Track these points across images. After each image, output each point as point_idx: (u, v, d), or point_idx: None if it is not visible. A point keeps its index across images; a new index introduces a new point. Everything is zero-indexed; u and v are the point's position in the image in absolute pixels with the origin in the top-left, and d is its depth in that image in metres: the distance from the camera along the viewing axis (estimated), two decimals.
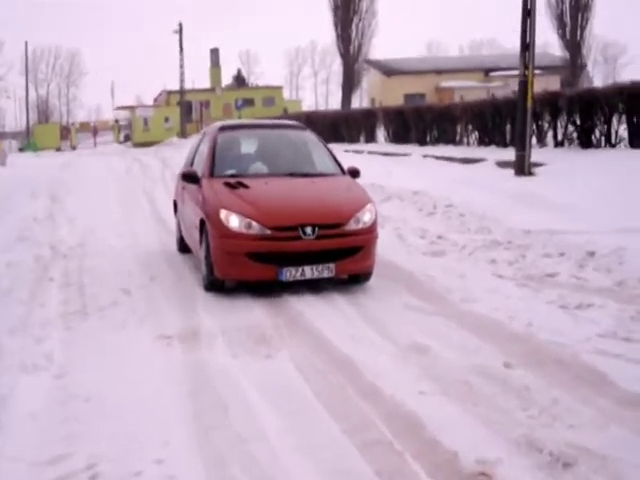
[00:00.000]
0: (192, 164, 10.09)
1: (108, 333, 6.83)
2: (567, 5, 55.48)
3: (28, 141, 61.42)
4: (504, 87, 59.53)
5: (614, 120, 17.93)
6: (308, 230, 7.74)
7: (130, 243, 11.71)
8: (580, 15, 56.15)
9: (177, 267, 9.72)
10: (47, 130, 65.36)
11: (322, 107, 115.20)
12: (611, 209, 11.02)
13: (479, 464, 4.03)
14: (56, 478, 4.01)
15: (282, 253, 7.73)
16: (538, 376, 5.43)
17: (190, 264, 9.77)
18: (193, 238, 9.04)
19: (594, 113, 18.25)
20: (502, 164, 19.10)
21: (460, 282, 8.26)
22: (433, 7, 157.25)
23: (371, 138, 32.34)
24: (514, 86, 56.64)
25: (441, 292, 7.92)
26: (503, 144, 22.47)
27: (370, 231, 8.18)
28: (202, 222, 8.39)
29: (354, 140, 32.90)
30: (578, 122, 18.92)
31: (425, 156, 22.78)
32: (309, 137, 10.03)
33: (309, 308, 7.34)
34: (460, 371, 5.56)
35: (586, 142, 18.61)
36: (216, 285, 8.13)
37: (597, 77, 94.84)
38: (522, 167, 15.25)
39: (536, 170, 15.57)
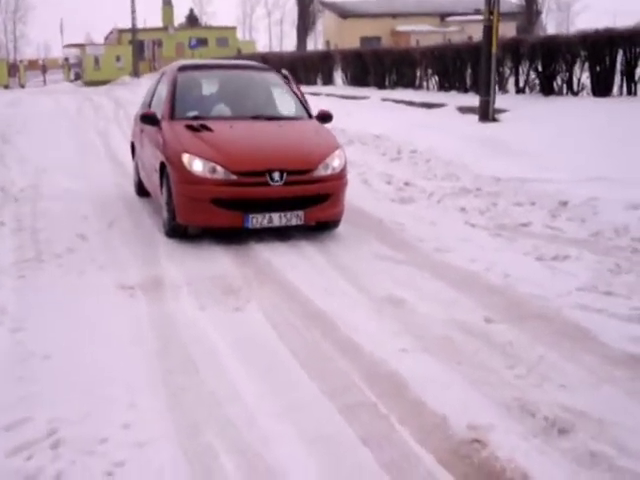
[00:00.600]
0: (150, 105, 9.57)
1: (66, 283, 6.44)
2: None
3: None
4: (460, 32, 59.27)
5: (576, 68, 17.77)
6: (276, 176, 7.38)
7: (85, 186, 11.17)
8: None
9: (136, 211, 9.30)
10: None
11: (276, 49, 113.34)
12: (579, 157, 10.84)
13: (471, 430, 3.79)
14: (14, 447, 3.66)
15: (248, 199, 7.36)
16: (521, 331, 5.21)
17: (150, 208, 9.36)
18: (153, 182, 8.62)
19: (556, 60, 18.05)
20: (463, 109, 18.85)
21: (431, 231, 8.01)
22: None
23: (329, 81, 31.79)
24: (470, 31, 56.40)
25: (412, 241, 7.66)
26: (463, 89, 22.19)
27: (340, 177, 7.84)
28: (163, 166, 7.96)
29: (311, 82, 32.29)
30: (540, 69, 18.72)
31: (384, 99, 22.43)
32: (274, 79, 9.59)
33: (278, 257, 7.02)
34: (440, 326, 5.31)
35: (548, 89, 18.40)
36: (178, 231, 7.76)
37: (550, 25, 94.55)
38: (486, 113, 14.99)
39: (500, 116, 15.34)
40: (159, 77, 10.02)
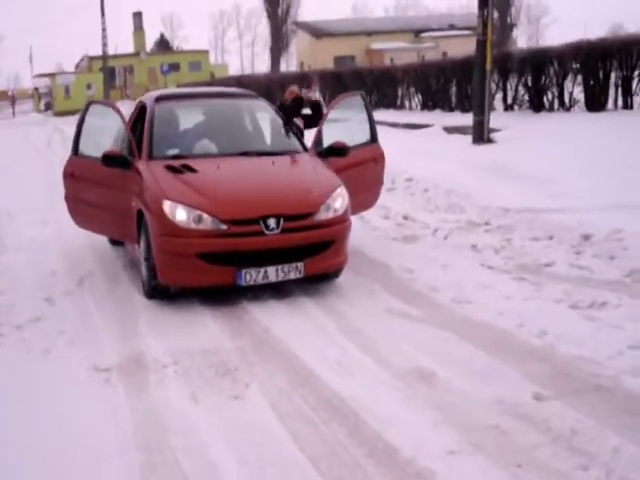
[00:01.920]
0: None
1: (28, 366, 5.44)
2: None
3: None
4: (435, 48, 58.96)
5: (567, 82, 17.06)
6: (272, 223, 6.43)
7: (53, 232, 10.11)
8: None
9: (110, 264, 8.29)
10: None
11: (248, 71, 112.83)
12: (589, 180, 9.99)
13: None
14: None
15: (241, 252, 6.39)
16: (580, 412, 4.29)
17: (125, 260, 8.38)
18: (121, 230, 7.71)
19: (547, 74, 17.36)
20: (450, 129, 18.12)
21: (445, 276, 7.09)
22: None
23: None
24: (445, 47, 55.98)
25: (426, 291, 6.74)
26: (448, 108, 21.50)
27: (343, 220, 6.89)
28: (140, 214, 7.00)
29: None
30: (530, 84, 18.01)
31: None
32: (262, 107, 8.65)
33: (276, 321, 6.04)
34: (484, 409, 4.39)
35: (538, 105, 17.74)
36: (160, 292, 6.76)
37: (521, 38, 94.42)
38: (481, 134, 14.15)
39: (494, 136, 14.50)
40: (135, 110, 8.95)
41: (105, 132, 8.03)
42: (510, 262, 7.42)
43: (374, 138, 8.37)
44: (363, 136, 8.32)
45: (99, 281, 7.63)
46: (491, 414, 4.34)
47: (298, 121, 9.01)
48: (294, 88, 9.51)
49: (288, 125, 8.35)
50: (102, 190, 7.59)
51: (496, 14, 57.90)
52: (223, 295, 6.69)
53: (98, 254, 8.64)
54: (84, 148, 7.70)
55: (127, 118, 9.24)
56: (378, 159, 8.37)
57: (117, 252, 8.71)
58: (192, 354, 5.46)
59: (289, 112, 8.86)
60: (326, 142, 7.91)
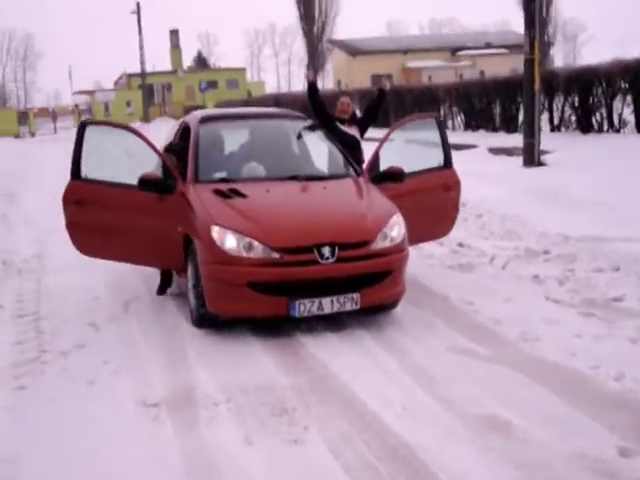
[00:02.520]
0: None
1: (72, 397, 5.18)
2: None
3: None
4: (472, 67, 58.58)
5: (617, 102, 16.56)
6: (326, 251, 6.08)
7: None
8: None
9: (155, 288, 7.99)
10: (4, 116, 62.52)
11: (285, 89, 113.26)
12: None
13: None
14: None
15: (294, 282, 6.06)
16: None
17: (173, 285, 8.07)
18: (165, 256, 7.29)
19: (594, 94, 16.86)
20: (495, 151, 17.79)
21: (508, 310, 6.69)
22: None
23: None
24: (482, 66, 55.68)
25: (490, 325, 6.35)
26: (492, 128, 21.06)
27: (400, 249, 6.53)
28: (187, 240, 6.72)
29: None
30: (577, 104, 17.53)
31: (408, 141, 21.19)
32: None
33: (333, 356, 5.67)
34: (567, 466, 4.00)
35: (586, 126, 17.22)
36: (209, 321, 6.44)
37: (557, 56, 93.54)
38: (532, 156, 13.74)
39: (545, 159, 14.08)
40: (177, 130, 8.66)
41: (108, 153, 7.52)
42: (576, 296, 7.01)
43: (448, 163, 7.96)
44: (434, 160, 7.93)
45: (145, 306, 7.35)
46: (573, 471, 3.95)
47: (352, 131, 8.58)
48: (347, 99, 8.94)
49: (340, 143, 8.00)
50: (130, 216, 7.07)
51: None
52: (275, 325, 6.36)
53: (143, 277, 8.33)
54: (88, 172, 7.10)
55: (167, 135, 9.03)
56: (452, 186, 7.92)
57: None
58: (245, 390, 5.13)
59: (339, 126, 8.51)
60: (387, 165, 7.53)
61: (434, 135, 7.89)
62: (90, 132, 7.09)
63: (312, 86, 8.81)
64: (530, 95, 13.92)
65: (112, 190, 7.10)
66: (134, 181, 6.96)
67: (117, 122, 7.94)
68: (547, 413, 4.65)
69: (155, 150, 7.22)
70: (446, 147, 7.93)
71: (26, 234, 11.72)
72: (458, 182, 7.97)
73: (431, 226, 7.85)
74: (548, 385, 5.06)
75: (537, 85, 13.81)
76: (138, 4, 59.92)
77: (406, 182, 7.46)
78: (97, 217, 7.10)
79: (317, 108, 8.58)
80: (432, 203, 7.72)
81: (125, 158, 7.55)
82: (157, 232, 7.05)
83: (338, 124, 8.48)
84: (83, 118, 65.92)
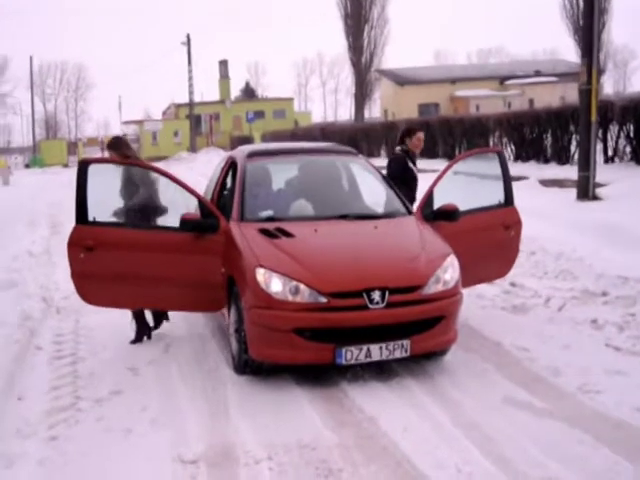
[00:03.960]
0: (213, 200, 7.96)
1: (106, 449, 4.94)
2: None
3: (34, 157, 59.86)
4: (521, 96, 58.03)
5: None
6: (376, 296, 5.76)
7: None
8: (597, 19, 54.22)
9: (197, 329, 7.78)
10: (54, 146, 63.88)
11: (331, 118, 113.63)
12: None
13: None
14: None
15: (342, 328, 5.75)
16: None
17: (214, 324, 7.85)
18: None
19: None
20: (546, 183, 17.35)
21: (567, 358, 6.32)
22: (440, 15, 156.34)
23: (392, 152, 30.38)
24: (531, 94, 55.12)
25: (547, 376, 5.98)
26: (543, 159, 20.61)
27: (453, 293, 6.18)
28: (230, 282, 6.47)
29: (373, 154, 31.00)
30: (632, 135, 17.05)
31: (457, 172, 20.83)
32: (362, 165, 8.04)
33: (382, 409, 5.34)
34: None
35: None
36: (251, 368, 6.15)
37: (607, 83, 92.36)
38: (586, 190, 13.29)
39: (600, 192, 13.62)
40: (224, 165, 8.40)
41: (113, 192, 7.22)
42: (638, 343, 6.61)
43: (509, 201, 7.65)
44: (494, 198, 7.63)
45: (185, 349, 7.10)
46: None
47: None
48: (423, 135, 8.67)
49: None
50: (161, 259, 6.67)
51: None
52: (320, 372, 6.07)
53: (184, 317, 8.06)
54: (97, 214, 6.69)
55: (214, 172, 8.81)
56: (512, 225, 7.62)
57: (205, 317, 8.13)
58: (288, 447, 4.83)
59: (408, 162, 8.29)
60: (445, 201, 7.24)
61: (495, 169, 7.59)
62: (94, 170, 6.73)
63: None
64: (586, 126, 13.49)
65: (135, 232, 6.80)
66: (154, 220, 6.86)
67: (124, 159, 7.41)
68: (612, 478, 4.28)
69: (186, 188, 6.88)
70: (508, 184, 7.62)
71: (69, 269, 11.56)
72: (519, 221, 7.67)
73: (489, 267, 7.53)
74: (612, 446, 4.69)
75: (594, 116, 13.37)
76: (188, 35, 60.59)
77: (463, 220, 7.14)
78: (116, 263, 6.66)
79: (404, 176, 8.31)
80: (491, 242, 7.42)
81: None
82: (195, 274, 6.74)
83: (409, 162, 8.24)
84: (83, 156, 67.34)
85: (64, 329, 8.05)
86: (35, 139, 70.68)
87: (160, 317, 7.71)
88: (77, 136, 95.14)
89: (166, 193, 7.30)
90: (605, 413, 5.21)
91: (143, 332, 7.48)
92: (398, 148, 8.68)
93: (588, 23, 13.72)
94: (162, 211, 7.33)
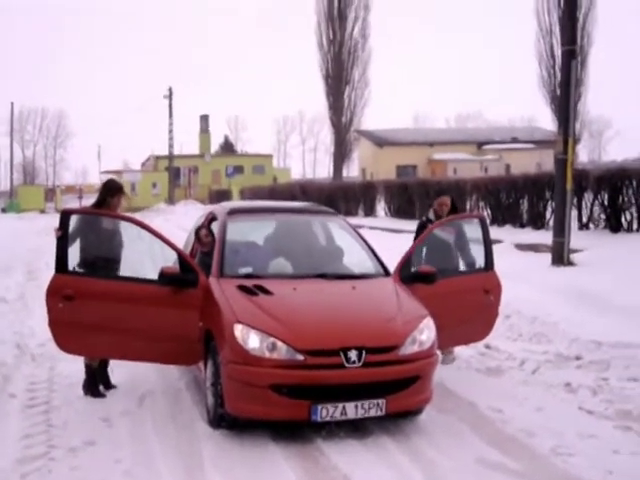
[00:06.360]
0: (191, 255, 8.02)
1: None
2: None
3: (11, 202, 59.74)
4: (498, 160, 58.88)
5: None
6: (353, 355, 5.81)
7: None
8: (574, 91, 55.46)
9: (172, 382, 7.76)
10: (31, 191, 63.76)
11: (310, 175, 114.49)
12: None
13: None
14: None
15: (318, 386, 5.78)
16: None
17: (189, 378, 7.83)
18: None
19: (624, 194, 16.71)
20: (522, 247, 17.52)
21: (540, 420, 6.39)
22: (419, 79, 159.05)
23: (370, 212, 30.68)
24: (507, 160, 56.02)
25: (521, 437, 6.04)
26: (519, 224, 20.88)
27: (429, 354, 6.24)
28: (208, 337, 6.49)
29: (351, 213, 31.14)
30: (606, 203, 17.36)
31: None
32: (341, 225, 8.17)
33: (357, 467, 5.34)
34: None
35: (616, 225, 16.99)
36: (227, 422, 6.13)
37: (583, 152, 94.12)
38: (561, 256, 13.45)
39: (574, 258, 13.79)
40: (204, 220, 8.48)
41: (93, 244, 7.15)
42: (610, 407, 6.70)
43: (489, 266, 7.81)
44: (475, 262, 7.90)
45: (160, 401, 7.09)
46: None
47: (446, 234, 8.24)
48: (447, 199, 8.78)
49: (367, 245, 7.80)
50: (138, 311, 6.69)
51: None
52: (296, 429, 6.07)
53: (159, 369, 8.02)
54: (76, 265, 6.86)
55: (194, 222, 8.87)
56: (491, 289, 7.75)
57: (180, 370, 8.10)
58: None
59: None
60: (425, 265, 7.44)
61: (476, 233, 7.75)
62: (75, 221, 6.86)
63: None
64: (562, 194, 13.71)
65: (114, 284, 6.81)
66: (132, 272, 6.87)
67: (105, 210, 7.37)
68: None
69: (168, 243, 6.91)
70: (488, 249, 7.80)
71: (44, 315, 11.47)
72: (499, 285, 7.82)
73: (467, 329, 7.64)
74: None
75: (569, 184, 13.61)
76: (170, 88, 61.28)
77: (441, 283, 7.24)
78: (94, 313, 6.67)
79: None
80: (469, 306, 7.54)
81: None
82: (172, 327, 6.74)
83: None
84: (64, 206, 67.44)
85: (38, 377, 7.99)
86: (12, 184, 70.53)
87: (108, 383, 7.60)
88: (55, 183, 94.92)
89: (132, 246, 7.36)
90: (578, 476, 5.27)
91: (93, 384, 7.37)
92: (426, 216, 8.86)
93: (565, 94, 14.04)
94: (113, 263, 7.24)
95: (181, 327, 6.74)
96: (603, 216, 17.63)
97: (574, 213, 18.04)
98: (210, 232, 7.88)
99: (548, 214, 19.34)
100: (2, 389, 7.44)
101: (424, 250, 7.90)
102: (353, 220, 27.52)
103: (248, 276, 6.94)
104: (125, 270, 7.19)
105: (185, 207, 51.08)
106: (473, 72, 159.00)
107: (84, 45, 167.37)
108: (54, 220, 7.88)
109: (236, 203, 10.46)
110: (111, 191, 7.48)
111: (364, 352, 5.85)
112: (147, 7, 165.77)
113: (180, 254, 6.97)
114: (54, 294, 6.66)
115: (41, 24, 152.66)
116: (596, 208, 17.84)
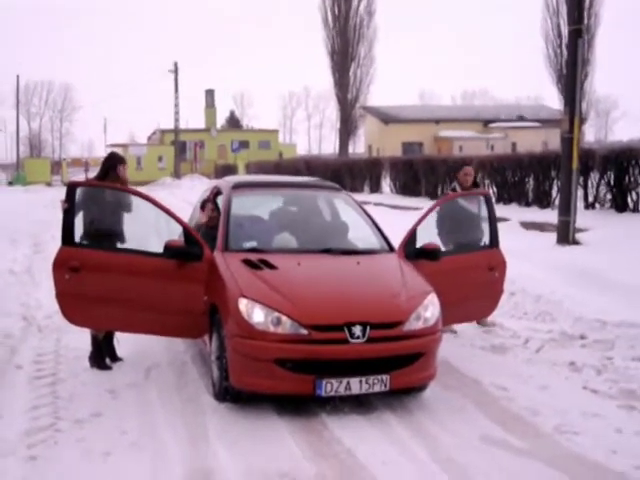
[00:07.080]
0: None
1: (85, 473, 4.94)
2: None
3: (18, 174, 59.65)
4: (504, 139, 58.68)
5: None
6: (357, 330, 5.82)
7: None
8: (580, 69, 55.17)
9: (178, 355, 7.78)
10: (38, 164, 63.57)
11: (315, 151, 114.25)
12: None
13: None
14: None
15: (322, 361, 5.80)
16: None
17: (194, 351, 7.87)
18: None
19: (631, 173, 16.63)
20: (527, 225, 17.52)
21: (544, 398, 6.41)
22: (426, 56, 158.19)
23: (376, 188, 30.62)
24: (513, 138, 55.68)
25: (525, 415, 6.06)
26: (525, 202, 20.83)
27: (433, 331, 6.25)
28: (213, 310, 6.51)
29: (357, 190, 31.08)
30: (612, 183, 17.30)
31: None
32: (346, 201, 8.16)
33: (361, 442, 5.38)
34: None
35: (622, 205, 16.94)
36: (231, 395, 6.17)
37: (589, 131, 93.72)
38: (566, 235, 13.43)
39: (580, 237, 13.77)
40: (209, 194, 8.51)
41: (96, 217, 7.10)
42: (615, 386, 6.71)
43: (494, 243, 7.83)
44: (480, 239, 7.94)
45: (166, 374, 7.13)
46: None
47: (472, 205, 8.33)
48: (471, 170, 8.83)
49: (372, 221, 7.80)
50: (143, 283, 6.69)
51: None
52: (300, 403, 6.10)
53: (165, 342, 8.05)
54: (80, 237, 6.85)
55: (199, 196, 8.87)
56: (496, 266, 7.80)
57: (186, 343, 8.13)
58: (267, 476, 4.86)
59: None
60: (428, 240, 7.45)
61: (481, 211, 7.78)
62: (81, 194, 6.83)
63: None
64: (567, 173, 13.68)
65: (119, 256, 6.83)
66: (138, 246, 6.84)
67: (111, 183, 7.32)
68: None
69: (174, 217, 6.89)
70: (493, 226, 7.82)
71: (51, 288, 11.50)
72: (503, 262, 7.84)
73: (472, 306, 7.65)
74: None
75: (575, 164, 13.56)
76: (176, 63, 60.93)
77: (446, 260, 7.25)
78: (100, 285, 6.69)
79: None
80: (474, 282, 7.55)
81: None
82: (177, 301, 6.76)
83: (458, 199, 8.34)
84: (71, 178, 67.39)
85: (45, 348, 8.02)
86: (19, 156, 70.44)
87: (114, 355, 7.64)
88: (61, 156, 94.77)
89: (137, 220, 7.35)
90: (581, 454, 5.28)
91: (97, 358, 7.40)
92: (451, 187, 8.90)
93: (571, 73, 13.95)
94: (117, 237, 7.24)
95: (186, 300, 6.76)
96: (609, 196, 17.59)
97: (580, 192, 17.99)
98: (216, 206, 7.89)
99: (554, 193, 19.29)
100: (9, 361, 7.47)
101: (447, 223, 8.03)
102: (358, 196, 27.40)
103: (253, 250, 6.94)
104: (131, 243, 7.19)
105: (191, 181, 50.99)
106: (480, 50, 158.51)
107: (91, 19, 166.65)
108: (60, 193, 7.87)
109: (241, 177, 10.43)
110: (112, 163, 7.46)
111: (368, 327, 5.86)
112: None
113: (185, 227, 6.97)
114: (60, 266, 6.67)
115: None
116: (602, 187, 17.79)
